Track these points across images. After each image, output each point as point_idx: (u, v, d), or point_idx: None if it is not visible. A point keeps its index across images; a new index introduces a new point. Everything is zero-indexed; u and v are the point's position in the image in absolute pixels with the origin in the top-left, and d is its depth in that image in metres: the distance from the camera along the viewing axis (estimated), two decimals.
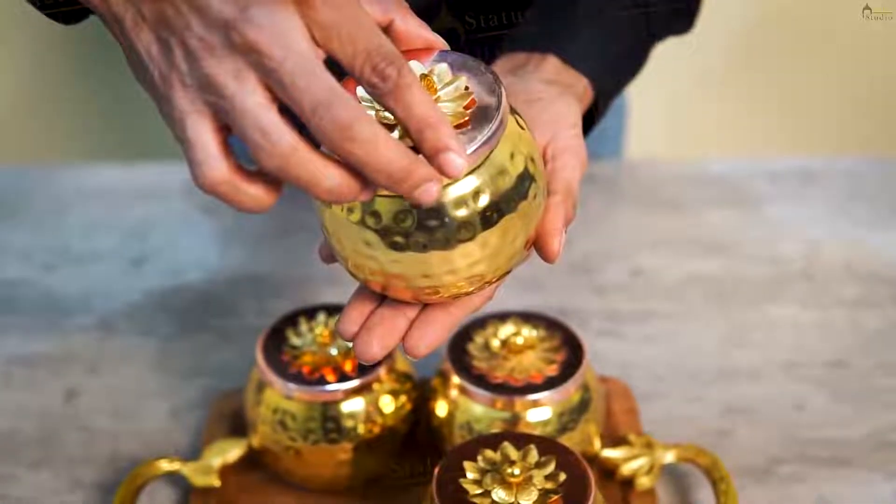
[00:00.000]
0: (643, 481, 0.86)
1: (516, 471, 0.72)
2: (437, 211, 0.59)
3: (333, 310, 0.88)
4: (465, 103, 0.60)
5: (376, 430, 0.84)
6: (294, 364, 0.84)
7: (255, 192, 0.58)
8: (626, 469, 0.86)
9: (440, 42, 0.64)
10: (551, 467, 0.74)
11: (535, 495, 0.72)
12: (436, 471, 0.75)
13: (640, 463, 0.86)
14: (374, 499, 0.87)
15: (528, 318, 0.88)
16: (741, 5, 1.97)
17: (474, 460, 0.75)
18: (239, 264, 1.16)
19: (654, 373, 1.00)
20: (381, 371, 0.84)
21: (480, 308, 0.68)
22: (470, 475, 0.74)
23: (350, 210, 0.61)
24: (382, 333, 0.65)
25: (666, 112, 2.04)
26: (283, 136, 0.55)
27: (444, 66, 0.62)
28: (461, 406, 0.83)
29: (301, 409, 0.83)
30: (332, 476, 0.85)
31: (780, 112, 2.10)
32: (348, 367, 0.84)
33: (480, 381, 0.83)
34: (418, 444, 0.88)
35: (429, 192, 0.56)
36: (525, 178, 0.62)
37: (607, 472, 0.87)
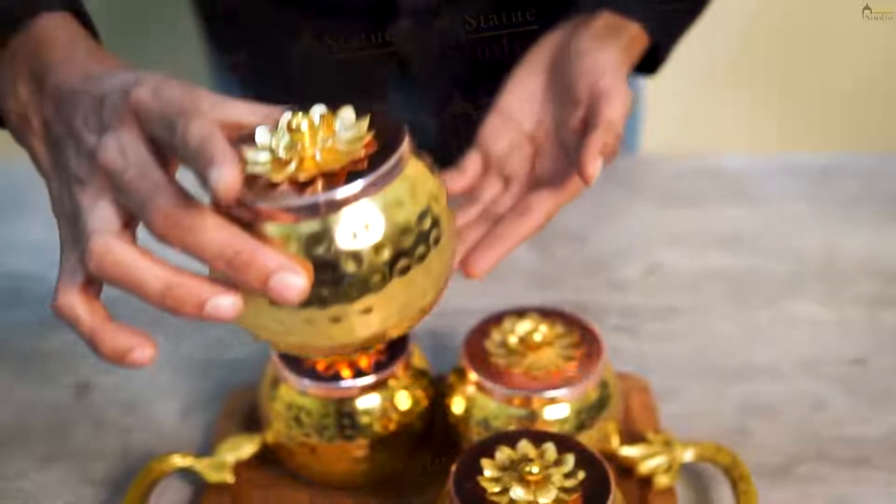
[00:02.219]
0: (662, 480, 0.85)
1: (535, 469, 0.71)
2: (324, 236, 0.56)
3: None
4: (364, 143, 0.58)
5: (392, 426, 0.83)
6: (309, 359, 0.83)
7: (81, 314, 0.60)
8: (645, 467, 0.85)
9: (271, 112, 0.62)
10: (570, 465, 0.73)
11: (553, 494, 0.71)
12: (453, 468, 0.74)
13: (658, 461, 0.85)
14: (389, 496, 0.85)
15: (546, 314, 0.87)
16: (758, 3, 1.96)
17: (492, 458, 0.74)
18: None
19: (671, 369, 0.99)
20: (398, 367, 0.83)
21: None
22: (488, 473, 0.73)
23: None
24: None
25: (682, 108, 2.03)
26: (98, 237, 0.57)
27: (349, 112, 0.60)
28: (478, 403, 0.82)
29: (316, 405, 0.82)
30: (347, 473, 0.84)
31: (795, 108, 2.09)
32: (364, 363, 0.83)
33: (497, 377, 0.82)
34: (434, 440, 0.87)
35: (287, 287, 0.54)
36: (425, 217, 0.59)
37: (625, 470, 0.86)
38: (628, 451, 0.85)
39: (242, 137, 0.59)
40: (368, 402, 0.82)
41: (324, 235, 0.55)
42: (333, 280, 0.55)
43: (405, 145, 0.58)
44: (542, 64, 0.85)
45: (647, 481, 0.85)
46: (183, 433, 0.94)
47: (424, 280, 0.59)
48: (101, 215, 0.58)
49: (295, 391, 0.82)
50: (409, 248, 0.58)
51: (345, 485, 0.86)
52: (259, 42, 1.08)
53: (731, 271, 1.12)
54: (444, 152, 0.85)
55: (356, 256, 0.56)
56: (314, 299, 0.56)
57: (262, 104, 0.62)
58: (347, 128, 0.59)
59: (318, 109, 0.59)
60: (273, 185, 0.56)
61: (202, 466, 0.85)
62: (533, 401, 0.81)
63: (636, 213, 1.22)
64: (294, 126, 0.57)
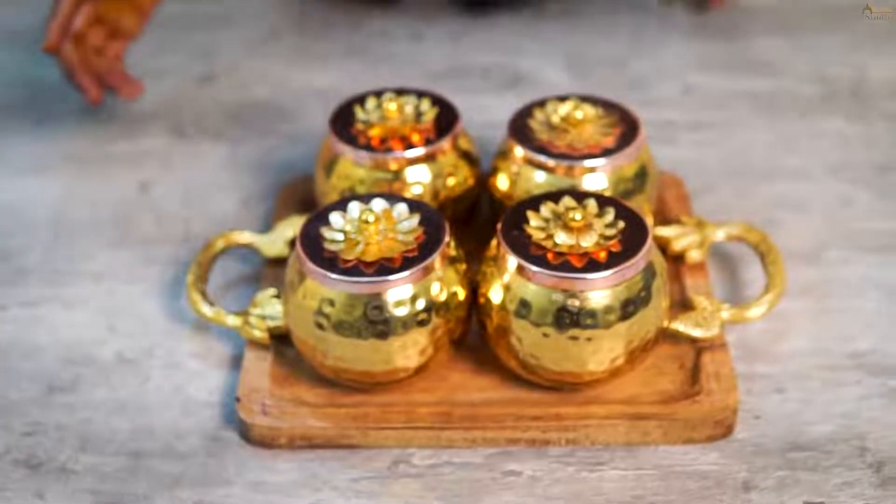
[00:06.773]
0: (694, 255, 0.89)
1: (578, 216, 0.76)
2: (381, 308, 0.76)
3: (400, 92, 0.92)
4: (416, 235, 0.78)
5: (441, 199, 0.88)
6: (363, 136, 0.88)
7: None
8: (678, 245, 0.89)
9: None
10: (610, 217, 0.78)
11: (595, 238, 0.76)
12: (500, 221, 0.79)
13: (690, 239, 0.89)
14: None
15: (586, 98, 0.91)
16: None
17: (537, 211, 0.79)
18: (305, 80, 1.20)
19: (704, 171, 1.04)
20: (446, 143, 0.88)
21: None
22: (534, 223, 0.78)
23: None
24: None
25: None
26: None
27: (403, 206, 0.80)
28: (523, 175, 0.87)
29: (370, 176, 0.87)
30: None
31: None
32: (416, 138, 0.88)
33: (541, 149, 0.86)
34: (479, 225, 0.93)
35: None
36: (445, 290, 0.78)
37: (660, 249, 0.90)
38: (663, 231, 0.90)
39: (318, 216, 0.80)
40: (418, 175, 0.87)
41: (381, 306, 0.76)
42: (382, 332, 0.77)
43: (445, 239, 0.78)
44: None
45: (680, 259, 0.90)
46: (241, 221, 0.99)
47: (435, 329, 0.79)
48: None
49: (351, 164, 0.87)
50: (433, 310, 0.78)
51: None
52: None
53: (763, 92, 1.16)
54: None
55: (399, 320, 0.77)
56: (371, 337, 0.78)
57: None
58: (403, 219, 0.79)
59: (381, 203, 0.80)
60: (344, 261, 0.77)
61: (261, 242, 0.90)
62: (574, 169, 0.85)
63: (670, 42, 1.25)
64: (364, 218, 0.77)
